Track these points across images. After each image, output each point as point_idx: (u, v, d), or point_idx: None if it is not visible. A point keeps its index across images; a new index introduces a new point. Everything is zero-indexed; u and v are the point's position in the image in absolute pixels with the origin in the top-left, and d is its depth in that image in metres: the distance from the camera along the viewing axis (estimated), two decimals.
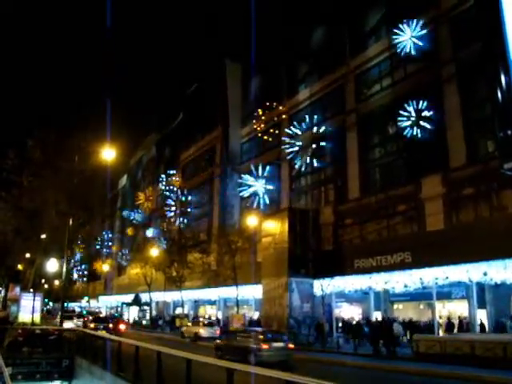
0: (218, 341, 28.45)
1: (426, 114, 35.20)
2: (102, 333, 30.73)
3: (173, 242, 59.32)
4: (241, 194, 55.20)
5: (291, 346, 24.70)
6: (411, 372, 21.22)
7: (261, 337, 23.56)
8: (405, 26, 37.14)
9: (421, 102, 35.48)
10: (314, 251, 37.83)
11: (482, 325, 28.16)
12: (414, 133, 35.71)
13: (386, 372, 22.31)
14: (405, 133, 36.37)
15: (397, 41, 37.81)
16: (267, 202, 52.01)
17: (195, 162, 71.07)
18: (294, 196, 49.15)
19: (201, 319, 46.73)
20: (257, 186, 52.60)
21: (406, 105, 36.27)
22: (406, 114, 36.17)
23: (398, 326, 29.74)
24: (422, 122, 35.30)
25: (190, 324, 44.70)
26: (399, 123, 36.88)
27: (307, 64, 51.71)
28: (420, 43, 36.54)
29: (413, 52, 36.97)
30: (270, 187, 52.21)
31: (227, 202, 60.01)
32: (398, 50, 37.87)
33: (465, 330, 28.56)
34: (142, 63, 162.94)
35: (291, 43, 52.39)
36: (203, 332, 39.71)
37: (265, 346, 22.58)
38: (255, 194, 52.86)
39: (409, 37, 37.02)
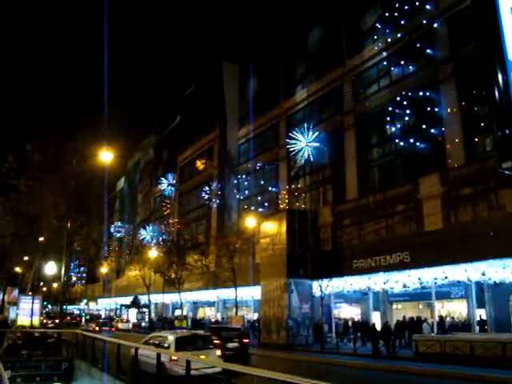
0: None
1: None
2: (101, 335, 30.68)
3: (171, 243, 59.30)
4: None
5: (113, 329, 50.82)
6: (411, 372, 21.24)
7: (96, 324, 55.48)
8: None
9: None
10: (312, 252, 37.75)
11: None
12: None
13: (386, 372, 22.32)
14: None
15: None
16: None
17: (193, 163, 71.02)
18: (292, 197, 49.12)
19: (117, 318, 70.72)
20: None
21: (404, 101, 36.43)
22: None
23: (427, 326, 29.51)
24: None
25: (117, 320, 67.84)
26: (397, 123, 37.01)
27: (304, 65, 51.73)
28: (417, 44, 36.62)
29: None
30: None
31: (225, 204, 60.01)
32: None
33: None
34: (140, 65, 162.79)
35: (288, 44, 52.43)
36: (120, 325, 62.67)
37: (97, 329, 50.61)
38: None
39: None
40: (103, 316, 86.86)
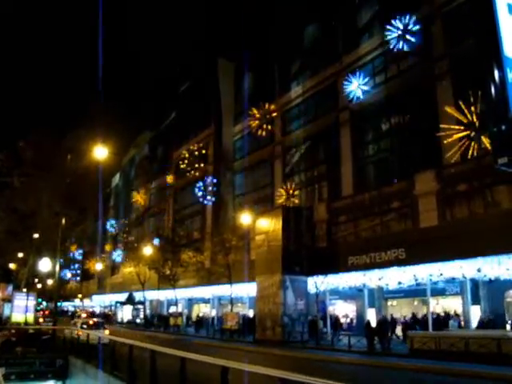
0: None
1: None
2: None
3: (166, 240, 59.17)
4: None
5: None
6: (406, 368, 21.24)
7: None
8: (397, 21, 37.10)
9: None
10: (307, 248, 37.72)
11: None
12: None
13: (381, 368, 22.32)
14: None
15: (389, 37, 37.75)
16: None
17: (188, 159, 70.81)
18: (287, 193, 49.04)
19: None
20: None
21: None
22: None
23: (454, 322, 29.23)
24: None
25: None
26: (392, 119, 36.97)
27: (300, 61, 51.66)
28: (413, 39, 36.50)
29: (405, 48, 36.98)
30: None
31: (221, 200, 59.94)
32: (391, 47, 37.85)
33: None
34: (134, 61, 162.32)
35: (284, 40, 52.28)
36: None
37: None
38: None
39: (401, 32, 37.01)
40: (97, 312, 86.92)
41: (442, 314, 30.63)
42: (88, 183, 46.11)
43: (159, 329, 53.42)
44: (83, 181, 43.77)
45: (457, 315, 30.21)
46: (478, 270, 26.86)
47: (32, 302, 44.27)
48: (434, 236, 28.91)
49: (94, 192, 53.40)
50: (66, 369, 24.89)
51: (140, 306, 65.80)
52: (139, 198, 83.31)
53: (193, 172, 66.27)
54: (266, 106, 52.94)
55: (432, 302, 31.02)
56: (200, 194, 61.53)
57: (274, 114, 52.40)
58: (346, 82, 41.81)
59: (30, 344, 26.62)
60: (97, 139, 31.95)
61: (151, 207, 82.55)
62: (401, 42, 36.90)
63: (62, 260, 49.66)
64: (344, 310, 39.35)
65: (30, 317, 43.02)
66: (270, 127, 52.62)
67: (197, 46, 69.28)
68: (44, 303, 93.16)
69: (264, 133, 52.98)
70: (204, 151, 65.69)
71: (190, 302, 62.16)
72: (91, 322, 40.20)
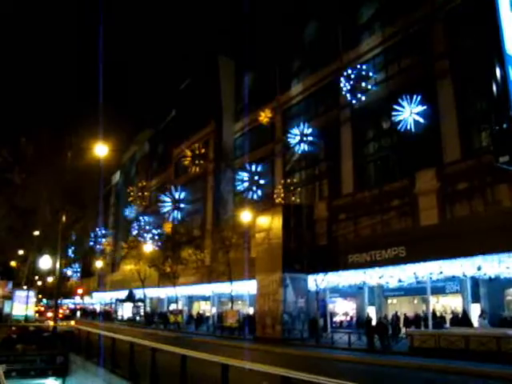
0: None
1: (419, 108, 35.14)
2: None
3: (166, 238, 59.10)
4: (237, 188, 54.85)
5: None
6: (406, 366, 21.24)
7: None
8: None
9: (414, 97, 35.43)
10: (308, 246, 37.65)
11: None
12: (408, 127, 35.72)
13: (381, 366, 22.32)
14: (398, 127, 36.35)
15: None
16: (259, 194, 51.94)
17: (188, 157, 70.72)
18: (287, 191, 49.04)
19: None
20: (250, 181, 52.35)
21: (399, 100, 36.14)
22: (399, 108, 36.11)
23: (483, 320, 28.98)
24: (415, 117, 35.30)
25: None
26: (393, 117, 36.84)
27: (300, 59, 51.65)
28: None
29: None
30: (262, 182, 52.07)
31: (221, 198, 59.92)
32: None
33: None
34: (135, 59, 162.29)
35: (284, 38, 52.23)
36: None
37: None
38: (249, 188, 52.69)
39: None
40: (98, 310, 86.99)
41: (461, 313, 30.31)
42: (88, 180, 46.19)
43: (159, 326, 53.42)
44: (84, 178, 43.83)
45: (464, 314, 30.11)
46: (478, 269, 26.84)
47: (32, 300, 44.33)
48: (434, 234, 28.86)
49: (94, 189, 53.47)
50: (67, 366, 24.92)
51: (140, 304, 65.75)
52: (139, 195, 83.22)
53: (193, 169, 66.15)
54: (267, 103, 52.93)
55: (432, 300, 31.01)
56: (201, 190, 61.38)
57: (277, 111, 52.40)
58: (345, 81, 41.69)
59: (31, 341, 26.65)
60: (97, 136, 31.95)
61: (151, 205, 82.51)
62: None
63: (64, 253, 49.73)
64: (344, 308, 39.35)
65: (31, 314, 43.09)
66: (270, 124, 52.61)
67: (197, 44, 69.20)
68: (44, 300, 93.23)
69: (264, 132, 53.03)
70: (204, 149, 65.59)
71: (191, 300, 62.14)
72: (60, 316, 55.86)
